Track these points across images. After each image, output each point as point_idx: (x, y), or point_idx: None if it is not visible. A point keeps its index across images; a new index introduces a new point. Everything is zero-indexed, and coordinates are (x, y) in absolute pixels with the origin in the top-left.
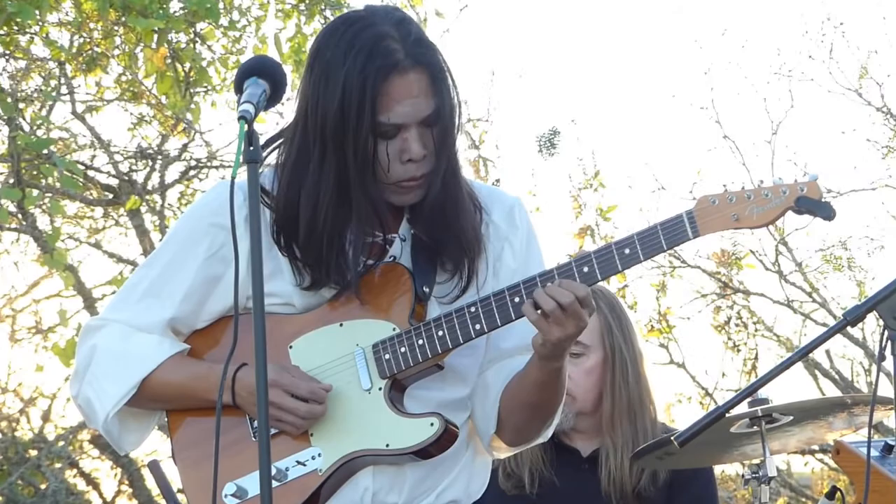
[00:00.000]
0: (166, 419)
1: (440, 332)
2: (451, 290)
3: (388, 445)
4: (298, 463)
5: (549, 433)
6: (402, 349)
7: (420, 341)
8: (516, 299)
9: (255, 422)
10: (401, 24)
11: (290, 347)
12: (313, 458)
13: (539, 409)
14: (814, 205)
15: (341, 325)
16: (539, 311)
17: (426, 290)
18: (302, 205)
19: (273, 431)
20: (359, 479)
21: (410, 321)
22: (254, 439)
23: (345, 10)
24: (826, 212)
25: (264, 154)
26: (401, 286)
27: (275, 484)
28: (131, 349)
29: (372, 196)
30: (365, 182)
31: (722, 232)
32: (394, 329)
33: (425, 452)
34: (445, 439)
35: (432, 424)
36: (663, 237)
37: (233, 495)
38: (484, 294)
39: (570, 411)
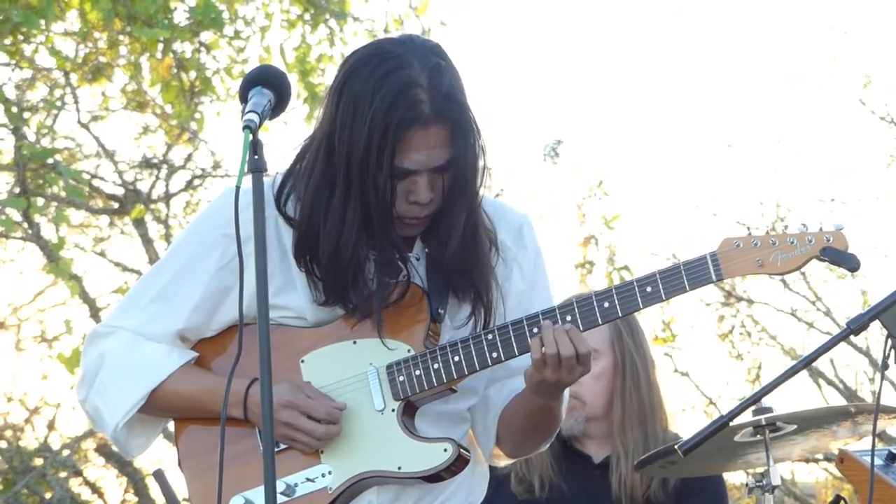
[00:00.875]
0: (172, 426)
1: (456, 358)
2: (464, 316)
3: (399, 468)
4: (308, 480)
5: (547, 444)
6: (417, 372)
7: (436, 365)
8: (535, 329)
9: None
10: (434, 72)
11: (302, 362)
12: (323, 475)
13: (534, 434)
14: (839, 256)
15: (355, 342)
16: (543, 350)
17: (441, 311)
18: (326, 233)
19: (283, 446)
20: (363, 497)
21: (426, 343)
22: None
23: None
24: (851, 263)
25: (290, 163)
26: (416, 307)
27: (283, 499)
28: (140, 359)
29: (389, 230)
30: (384, 218)
31: (744, 276)
32: (409, 351)
33: (436, 477)
34: (457, 465)
35: (445, 450)
36: (686, 279)
37: None
38: (499, 321)
39: (580, 416)
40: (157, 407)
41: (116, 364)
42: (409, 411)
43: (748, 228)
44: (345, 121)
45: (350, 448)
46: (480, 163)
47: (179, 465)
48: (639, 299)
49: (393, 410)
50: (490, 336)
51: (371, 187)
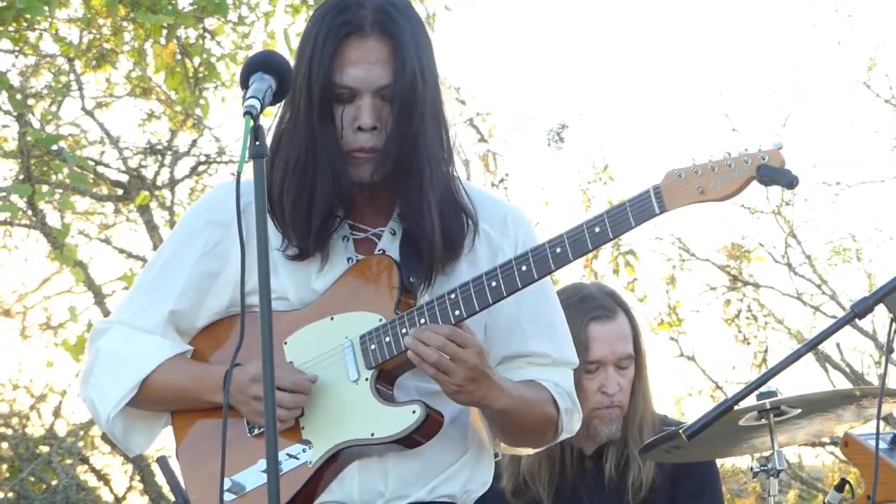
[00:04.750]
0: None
1: (422, 320)
2: (447, 288)
3: (372, 434)
4: (290, 456)
5: (547, 443)
6: (387, 339)
7: (403, 330)
8: (493, 283)
9: (246, 418)
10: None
11: (285, 344)
12: (304, 450)
13: (509, 438)
14: (775, 173)
15: (332, 318)
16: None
17: (412, 280)
18: (276, 164)
19: (261, 430)
20: (345, 474)
21: (396, 311)
22: (248, 435)
23: None
24: (787, 179)
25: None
26: (387, 277)
27: (265, 478)
28: (132, 351)
29: (335, 162)
30: (328, 145)
31: (689, 206)
32: (380, 320)
33: (411, 440)
34: (428, 426)
35: (414, 412)
36: (631, 214)
37: (229, 490)
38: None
39: (620, 421)
40: (149, 399)
41: (109, 358)
42: (384, 379)
43: (692, 158)
44: (298, 57)
45: (328, 421)
46: (444, 116)
47: (177, 456)
48: (588, 240)
49: (367, 380)
50: (452, 295)
51: (314, 105)
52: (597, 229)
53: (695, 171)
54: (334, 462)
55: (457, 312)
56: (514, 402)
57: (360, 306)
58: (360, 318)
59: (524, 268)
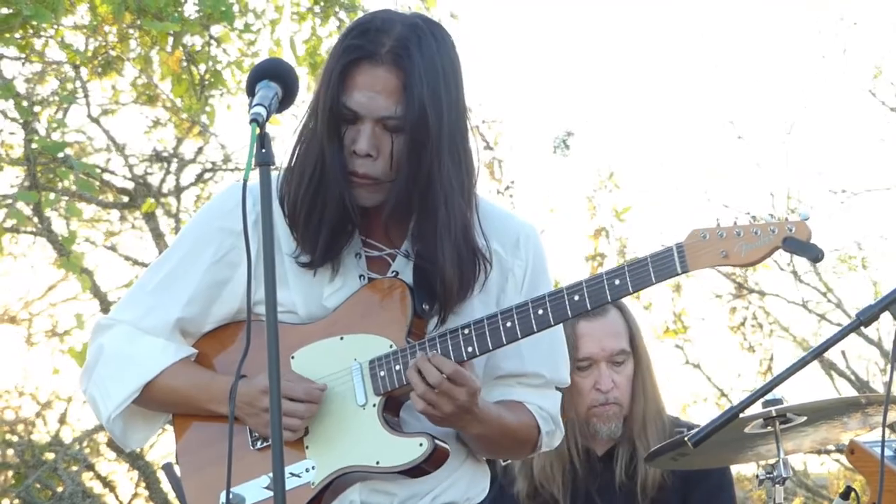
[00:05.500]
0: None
1: (434, 353)
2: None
3: (377, 463)
4: (292, 475)
5: (525, 455)
6: (397, 367)
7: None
8: (508, 323)
9: (255, 431)
10: (411, 28)
11: (292, 358)
12: (307, 470)
13: (482, 453)
14: (801, 246)
15: (342, 338)
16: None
17: (425, 307)
18: (294, 172)
19: (265, 444)
20: (347, 493)
21: (407, 339)
22: (251, 448)
23: (359, 14)
24: (812, 254)
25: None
26: (400, 302)
27: (267, 494)
28: (136, 352)
29: (339, 181)
30: (335, 163)
31: (711, 267)
32: (391, 346)
33: (418, 471)
34: (436, 458)
35: (421, 445)
36: (653, 271)
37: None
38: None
39: (619, 420)
40: (152, 401)
41: (113, 357)
42: (391, 406)
43: (717, 220)
44: (322, 68)
45: (333, 443)
46: (467, 154)
47: (177, 460)
48: (607, 292)
49: (374, 405)
50: (466, 331)
51: (323, 119)
52: (616, 282)
53: (719, 235)
54: (337, 485)
55: (469, 349)
56: (490, 430)
57: (370, 329)
58: (370, 342)
59: (540, 311)
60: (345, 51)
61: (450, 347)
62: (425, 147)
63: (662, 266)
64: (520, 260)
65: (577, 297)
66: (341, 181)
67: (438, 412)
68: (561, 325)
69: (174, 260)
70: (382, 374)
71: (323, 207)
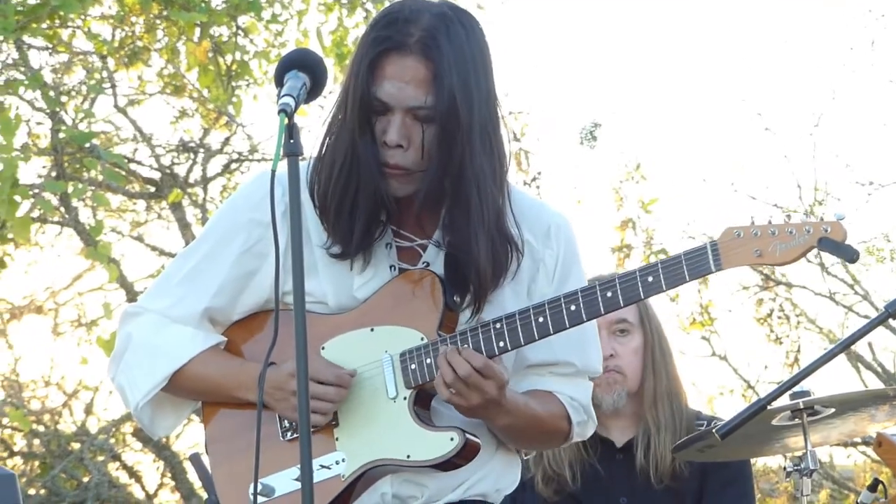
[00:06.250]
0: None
1: (465, 346)
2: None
3: (408, 457)
4: (322, 466)
5: (553, 446)
6: (428, 360)
7: None
8: (540, 319)
9: (285, 420)
10: (439, 17)
11: (323, 348)
12: (337, 462)
13: (512, 444)
14: (836, 247)
15: (372, 329)
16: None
17: (456, 300)
18: (324, 164)
19: (295, 436)
20: (378, 485)
21: (439, 332)
22: (281, 438)
23: (386, 4)
24: (848, 255)
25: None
26: (431, 294)
27: (296, 486)
28: (164, 341)
29: (372, 172)
30: (367, 154)
31: (744, 266)
32: (422, 339)
33: (449, 465)
34: (467, 452)
35: (452, 439)
36: (686, 268)
37: (258, 493)
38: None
39: (622, 390)
40: (180, 389)
41: (141, 345)
42: (422, 399)
43: (752, 218)
44: (350, 59)
45: (363, 435)
46: (499, 143)
47: (206, 448)
48: (640, 289)
49: (405, 398)
50: (498, 325)
51: (352, 109)
52: (650, 279)
53: (754, 233)
54: (367, 477)
55: (501, 344)
56: (518, 421)
57: (401, 321)
58: (401, 334)
59: (573, 307)
60: (373, 42)
61: (481, 342)
62: (456, 136)
63: (696, 264)
64: (551, 250)
65: (609, 294)
66: (374, 172)
67: (466, 403)
68: None
69: (202, 251)
70: (413, 367)
71: (355, 198)
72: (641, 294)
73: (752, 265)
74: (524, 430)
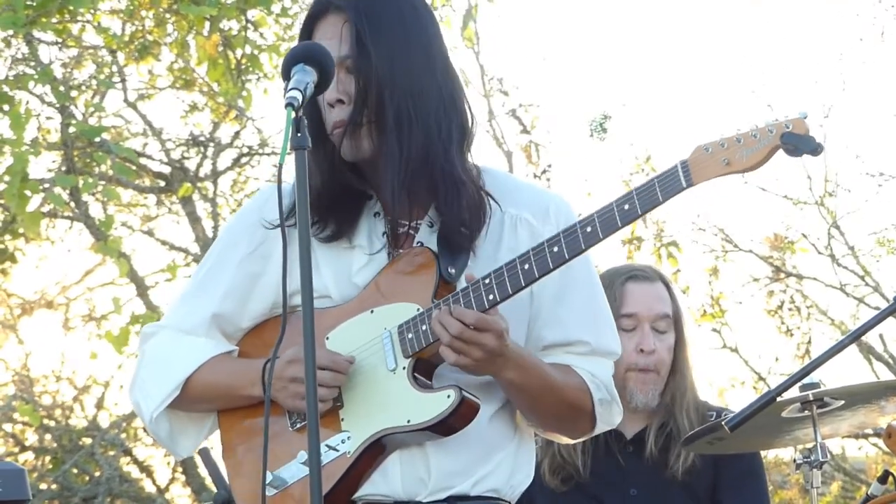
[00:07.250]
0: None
1: (455, 306)
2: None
3: (408, 421)
4: (329, 448)
5: (583, 433)
6: (424, 327)
7: None
8: (526, 266)
9: (293, 414)
10: None
11: (327, 339)
12: (343, 441)
13: (538, 420)
14: (799, 140)
15: (372, 311)
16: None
17: (451, 271)
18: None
19: (303, 423)
20: (387, 467)
21: (433, 301)
22: (290, 430)
23: None
24: (811, 145)
25: None
26: (426, 268)
27: (306, 471)
28: (176, 352)
29: (325, 143)
30: (320, 127)
31: (716, 178)
32: (418, 309)
33: (446, 426)
34: (464, 412)
35: (449, 396)
36: (659, 189)
37: (270, 485)
38: (530, 297)
39: (656, 390)
40: (193, 398)
41: (154, 359)
42: (422, 368)
43: (721, 133)
44: None
45: (366, 411)
46: (433, 93)
47: (223, 458)
48: (617, 218)
49: (404, 368)
50: (487, 280)
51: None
52: (626, 206)
53: (721, 145)
54: (373, 452)
55: (490, 297)
56: (531, 379)
57: (399, 298)
58: (399, 309)
59: (556, 249)
60: (305, 19)
61: (472, 299)
62: (372, 78)
63: (668, 184)
64: (550, 226)
65: (589, 229)
66: (328, 143)
67: (468, 359)
68: (603, 292)
69: (210, 261)
70: (410, 336)
71: (329, 172)
72: (619, 223)
73: (722, 175)
74: (541, 396)
